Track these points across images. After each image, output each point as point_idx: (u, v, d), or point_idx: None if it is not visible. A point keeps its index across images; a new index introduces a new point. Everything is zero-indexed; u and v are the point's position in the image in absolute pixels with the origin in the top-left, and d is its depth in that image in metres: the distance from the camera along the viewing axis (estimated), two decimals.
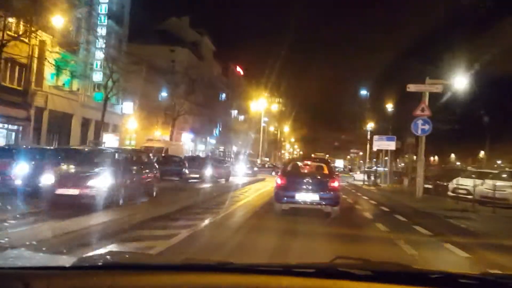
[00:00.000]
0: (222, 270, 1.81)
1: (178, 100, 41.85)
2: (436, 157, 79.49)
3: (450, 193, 19.34)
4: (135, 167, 12.92)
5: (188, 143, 54.18)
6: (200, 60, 56.35)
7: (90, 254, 3.14)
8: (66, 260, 2.04)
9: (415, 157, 34.44)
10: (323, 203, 10.99)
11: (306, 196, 10.99)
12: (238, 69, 77.01)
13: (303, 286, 1.67)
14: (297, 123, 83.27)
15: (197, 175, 24.57)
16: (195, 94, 54.10)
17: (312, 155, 60.39)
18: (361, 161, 58.82)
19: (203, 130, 58.18)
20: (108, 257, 2.19)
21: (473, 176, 20.30)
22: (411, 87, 17.08)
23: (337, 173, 18.18)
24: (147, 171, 13.64)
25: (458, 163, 78.19)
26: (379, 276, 1.73)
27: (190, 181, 24.01)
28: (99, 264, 1.93)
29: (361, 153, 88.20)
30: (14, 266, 1.90)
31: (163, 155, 27.56)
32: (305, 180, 11.25)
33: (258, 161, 53.95)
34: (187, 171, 24.24)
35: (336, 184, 11.36)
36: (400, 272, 1.83)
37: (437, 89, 17.22)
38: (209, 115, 59.65)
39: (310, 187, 11.06)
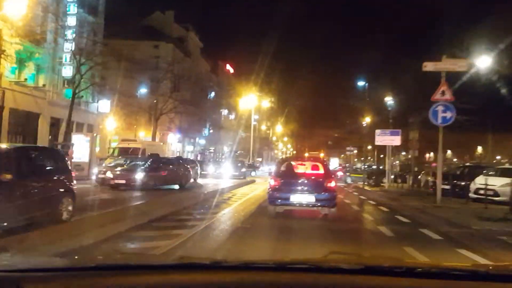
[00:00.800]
0: (217, 268, 1.78)
1: (161, 97, 38.18)
2: (432, 154, 76.54)
3: (472, 195, 15.98)
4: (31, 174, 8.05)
5: (175, 144, 50.56)
6: (187, 57, 52.78)
7: (83, 256, 2.87)
8: (59, 262, 2.03)
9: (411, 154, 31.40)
10: (320, 204, 10.38)
11: (301, 198, 10.38)
12: (228, 67, 73.49)
13: (297, 282, 1.63)
14: (289, 121, 79.93)
15: (123, 181, 17.97)
16: (182, 92, 50.67)
17: (306, 154, 57.64)
18: (356, 160, 55.63)
19: (191, 130, 54.61)
20: (100, 258, 2.15)
21: (496, 173, 17.03)
22: (428, 66, 13.68)
23: (342, 171, 15.31)
24: (54, 178, 8.76)
25: (455, 160, 75.26)
26: (372, 270, 1.72)
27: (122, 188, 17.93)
28: (92, 265, 1.88)
29: (355, 151, 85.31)
30: (7, 269, 1.79)
31: (139, 156, 23.95)
32: (299, 181, 10.62)
33: (247, 161, 50.38)
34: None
35: (332, 184, 10.76)
36: (392, 265, 1.82)
37: (461, 67, 13.84)
38: (198, 114, 56.06)
39: (305, 188, 10.46)
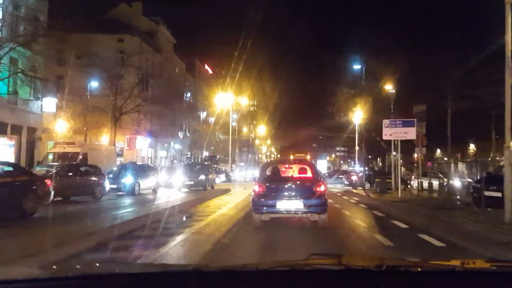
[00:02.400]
0: (199, 274, 1.76)
1: (122, 95, 31.80)
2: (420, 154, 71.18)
3: None
4: None
5: (145, 149, 44.08)
6: (157, 53, 46.47)
7: (62, 265, 2.75)
8: (36, 273, 1.92)
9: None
10: (309, 211, 9.24)
11: (289, 204, 9.24)
12: (206, 67, 67.32)
13: (278, 285, 1.62)
14: (272, 123, 74.00)
15: None
16: (153, 91, 44.37)
17: (291, 157, 51.89)
18: (349, 160, 49.83)
19: (164, 134, 48.20)
20: (78, 267, 2.10)
21: None
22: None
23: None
24: None
25: (445, 159, 69.89)
26: (352, 271, 1.69)
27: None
28: (70, 275, 1.81)
29: (333, 155, 79.80)
30: None
31: (74, 163, 17.67)
32: (286, 186, 9.48)
33: (224, 167, 44.15)
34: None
35: (322, 188, 9.53)
36: (372, 265, 1.77)
37: None
38: (172, 116, 49.75)
39: (292, 194, 9.31)
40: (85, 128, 29.71)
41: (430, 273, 1.71)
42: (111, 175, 18.78)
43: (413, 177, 27.55)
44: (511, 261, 2.25)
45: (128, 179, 18.66)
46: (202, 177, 22.59)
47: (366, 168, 28.45)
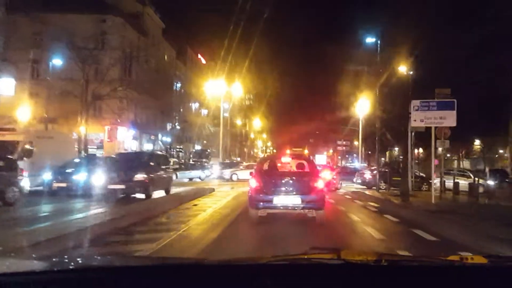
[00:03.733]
0: (199, 267, 1.74)
1: (95, 79, 27.20)
2: (421, 150, 66.48)
3: None
4: None
5: (128, 141, 39.51)
6: (144, 37, 41.79)
7: (62, 258, 2.37)
8: (37, 265, 1.84)
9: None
10: (306, 206, 8.89)
11: (286, 200, 8.90)
12: (199, 56, 62.60)
13: (277, 279, 1.56)
14: (270, 118, 69.47)
15: None
16: (137, 78, 39.77)
17: (288, 151, 47.32)
18: (355, 155, 45.33)
19: (151, 125, 43.65)
20: (79, 260, 2.03)
21: None
22: None
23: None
24: None
25: (448, 155, 65.32)
26: (351, 265, 1.67)
27: None
28: (71, 267, 1.81)
29: (328, 150, 75.10)
30: None
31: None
32: (284, 181, 9.15)
33: (213, 161, 39.69)
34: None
35: (320, 184, 9.25)
36: (370, 260, 1.78)
37: None
38: (160, 107, 45.21)
39: (290, 189, 8.98)
40: (45, 115, 25.09)
41: (428, 268, 1.69)
42: (60, 170, 14.37)
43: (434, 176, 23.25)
44: (509, 257, 2.17)
45: (81, 176, 14.22)
46: (140, 176, 14.19)
47: (383, 165, 24.01)
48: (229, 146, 54.79)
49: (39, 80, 29.42)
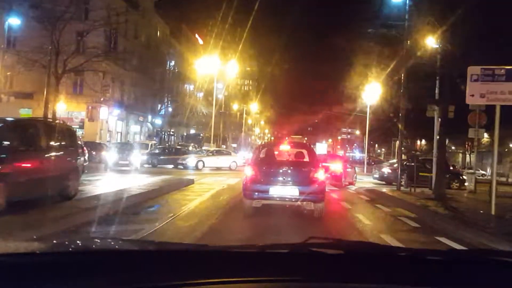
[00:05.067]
0: (197, 253, 1.71)
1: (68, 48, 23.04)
2: (424, 141, 62.57)
3: None
4: None
5: (113, 122, 35.53)
6: (133, 9, 37.48)
7: (62, 240, 2.31)
8: (37, 247, 1.76)
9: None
10: (305, 198, 8.18)
11: (283, 191, 8.33)
12: (197, 36, 58.17)
13: (276, 267, 1.53)
14: (267, 104, 65.37)
15: None
16: (125, 54, 35.67)
17: (287, 139, 43.45)
18: (356, 145, 41.43)
19: (140, 106, 39.64)
20: (79, 242, 1.91)
21: None
22: None
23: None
24: None
25: (453, 148, 61.37)
26: (350, 255, 1.66)
27: None
28: (71, 250, 1.74)
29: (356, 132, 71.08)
30: None
31: None
32: (281, 171, 8.55)
33: (207, 146, 35.72)
34: None
35: (321, 174, 8.60)
36: (370, 251, 1.79)
37: None
38: (151, 86, 41.12)
39: (288, 179, 8.42)
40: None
41: (426, 260, 1.66)
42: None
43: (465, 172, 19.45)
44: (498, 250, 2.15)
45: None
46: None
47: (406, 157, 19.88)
48: (222, 130, 50.70)
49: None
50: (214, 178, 17.05)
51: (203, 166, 24.28)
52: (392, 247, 2.06)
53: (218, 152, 27.83)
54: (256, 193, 8.33)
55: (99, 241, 2.27)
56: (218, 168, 24.62)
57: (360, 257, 1.64)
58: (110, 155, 18.36)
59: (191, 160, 24.29)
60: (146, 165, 22.07)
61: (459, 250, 2.06)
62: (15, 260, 1.49)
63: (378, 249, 1.83)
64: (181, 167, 23.07)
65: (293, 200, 8.26)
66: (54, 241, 2.06)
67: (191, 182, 13.51)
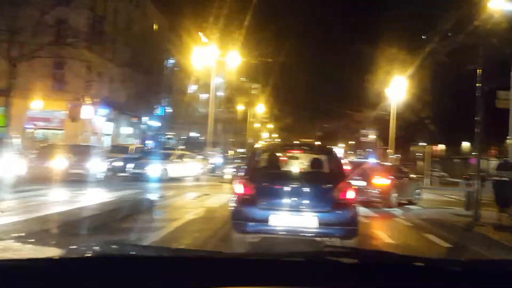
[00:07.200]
0: (212, 260, 1.67)
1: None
2: (444, 146, 56.89)
3: None
4: None
5: (99, 122, 30.80)
6: None
7: (79, 245, 2.04)
8: (54, 252, 1.73)
9: None
10: (326, 232, 5.39)
11: (292, 220, 5.41)
12: (200, 34, 53.47)
13: (291, 275, 1.48)
14: (275, 105, 60.46)
15: None
16: (115, 47, 31.25)
17: (295, 143, 38.16)
18: (371, 148, 36.15)
19: (132, 106, 34.97)
20: (97, 248, 1.87)
21: None
22: None
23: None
24: None
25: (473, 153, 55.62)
26: (366, 264, 1.61)
27: None
28: (88, 255, 1.69)
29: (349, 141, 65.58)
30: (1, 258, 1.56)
31: None
32: (289, 188, 5.60)
33: (211, 151, 30.81)
34: None
35: (351, 193, 5.58)
36: (386, 260, 1.72)
37: None
38: (147, 84, 36.48)
39: (300, 201, 5.50)
40: None
41: (444, 270, 1.57)
42: None
43: None
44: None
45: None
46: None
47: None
48: (222, 131, 45.86)
49: None
50: (182, 197, 11.94)
51: (167, 176, 17.27)
52: (409, 256, 1.56)
53: (184, 156, 20.54)
54: (251, 224, 5.57)
55: (115, 246, 2.13)
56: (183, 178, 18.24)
57: (377, 266, 1.59)
58: (59, 162, 13.57)
59: (152, 167, 16.81)
60: (120, 174, 17.18)
61: (479, 260, 1.77)
62: (32, 265, 1.46)
63: (395, 259, 1.77)
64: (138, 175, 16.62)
65: (309, 234, 5.45)
66: (70, 247, 1.89)
67: (149, 204, 8.57)
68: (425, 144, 50.22)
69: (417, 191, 13.73)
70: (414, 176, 15.74)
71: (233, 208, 5.82)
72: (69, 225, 5.92)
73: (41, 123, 27.96)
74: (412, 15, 17.10)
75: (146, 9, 37.71)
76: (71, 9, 26.31)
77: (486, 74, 10.48)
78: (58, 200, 9.07)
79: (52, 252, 1.75)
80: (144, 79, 35.70)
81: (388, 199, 11.62)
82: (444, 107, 16.66)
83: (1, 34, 17.37)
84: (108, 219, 6.47)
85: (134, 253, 1.84)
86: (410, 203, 12.80)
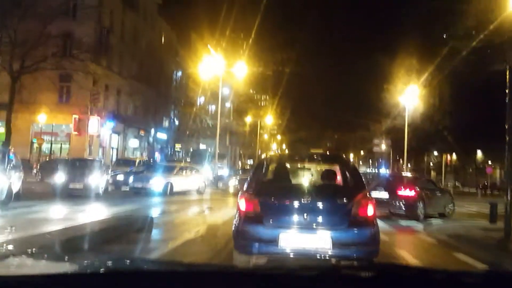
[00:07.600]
0: (225, 274, 1.65)
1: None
2: (454, 156, 55.23)
3: None
4: None
5: (107, 135, 30.32)
6: (131, 10, 32.76)
7: (92, 260, 2.01)
8: (68, 267, 1.72)
9: None
10: (342, 253, 4.61)
11: (303, 240, 4.66)
12: (209, 46, 53.21)
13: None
14: (283, 116, 59.66)
15: None
16: (122, 60, 30.94)
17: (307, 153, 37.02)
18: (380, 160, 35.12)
19: (140, 118, 34.50)
20: (109, 263, 1.84)
21: None
22: None
23: None
24: None
25: (489, 162, 53.85)
26: (383, 278, 1.54)
27: None
28: (101, 271, 1.68)
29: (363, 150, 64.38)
30: (15, 274, 1.61)
31: None
32: (299, 203, 4.80)
33: (220, 164, 30.09)
34: None
35: (370, 210, 4.78)
36: (403, 273, 1.64)
37: None
38: (155, 97, 36.08)
39: (311, 218, 4.69)
40: None
41: (464, 282, 1.52)
42: None
43: None
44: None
45: None
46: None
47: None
48: (231, 143, 45.13)
49: None
50: (182, 213, 11.17)
51: (172, 191, 16.02)
52: (426, 269, 1.65)
53: (187, 169, 18.99)
54: (257, 244, 4.74)
55: (129, 261, 2.08)
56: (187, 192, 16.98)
57: (395, 280, 1.53)
58: (59, 176, 12.90)
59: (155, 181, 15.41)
60: (123, 188, 16.46)
61: (497, 272, 1.47)
62: (47, 281, 1.47)
63: (413, 272, 1.72)
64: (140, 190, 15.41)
65: (321, 255, 4.63)
66: (85, 262, 1.89)
67: (147, 222, 7.81)
68: (436, 154, 48.68)
69: (449, 204, 12.77)
70: (449, 188, 14.81)
71: (235, 226, 5.04)
72: (47, 247, 5.15)
73: (47, 137, 27.54)
74: (426, 21, 16.27)
75: (154, 21, 37.51)
76: (77, 22, 26.13)
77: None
78: (47, 218, 8.35)
79: (66, 267, 1.74)
80: (152, 91, 35.32)
81: (414, 211, 10.74)
82: (460, 116, 15.79)
83: (3, 46, 16.96)
84: (97, 239, 5.67)
85: (146, 267, 1.83)
86: (442, 216, 11.87)
